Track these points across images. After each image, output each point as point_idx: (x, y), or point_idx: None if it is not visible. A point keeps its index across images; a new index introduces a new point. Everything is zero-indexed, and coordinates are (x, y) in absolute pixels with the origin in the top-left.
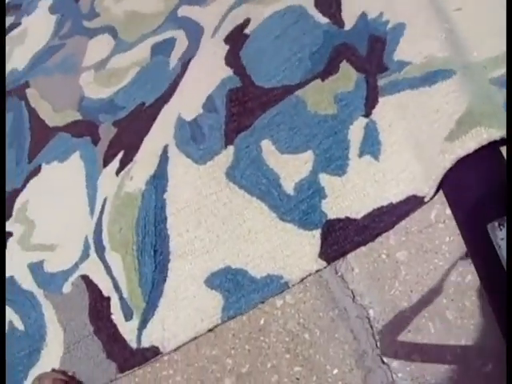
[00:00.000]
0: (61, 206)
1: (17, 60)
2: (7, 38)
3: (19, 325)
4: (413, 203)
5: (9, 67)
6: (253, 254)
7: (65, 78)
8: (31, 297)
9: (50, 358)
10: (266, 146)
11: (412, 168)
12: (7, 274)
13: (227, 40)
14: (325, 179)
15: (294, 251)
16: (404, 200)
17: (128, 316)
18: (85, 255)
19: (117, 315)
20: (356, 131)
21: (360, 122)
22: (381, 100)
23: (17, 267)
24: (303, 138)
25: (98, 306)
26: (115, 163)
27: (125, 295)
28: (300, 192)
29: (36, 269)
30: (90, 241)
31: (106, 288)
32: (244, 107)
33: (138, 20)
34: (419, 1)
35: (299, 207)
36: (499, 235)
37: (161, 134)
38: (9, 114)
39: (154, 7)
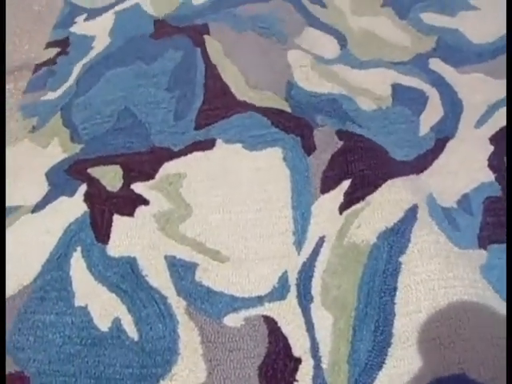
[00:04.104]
0: (244, 210)
1: None
2: None
3: (131, 331)
4: None
5: None
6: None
7: (264, 42)
8: (162, 302)
9: None
10: None
11: None
12: (125, 253)
13: (492, 140)
14: None
15: None
16: None
17: None
18: (279, 294)
19: None
20: None
21: None
22: None
23: (145, 251)
24: None
25: (279, 363)
26: (338, 194)
27: (324, 365)
28: None
29: (179, 269)
30: (291, 281)
31: (299, 346)
32: (499, 220)
33: (374, 42)
34: None
35: None
36: None
37: (413, 189)
38: (176, 52)
39: (397, 37)
